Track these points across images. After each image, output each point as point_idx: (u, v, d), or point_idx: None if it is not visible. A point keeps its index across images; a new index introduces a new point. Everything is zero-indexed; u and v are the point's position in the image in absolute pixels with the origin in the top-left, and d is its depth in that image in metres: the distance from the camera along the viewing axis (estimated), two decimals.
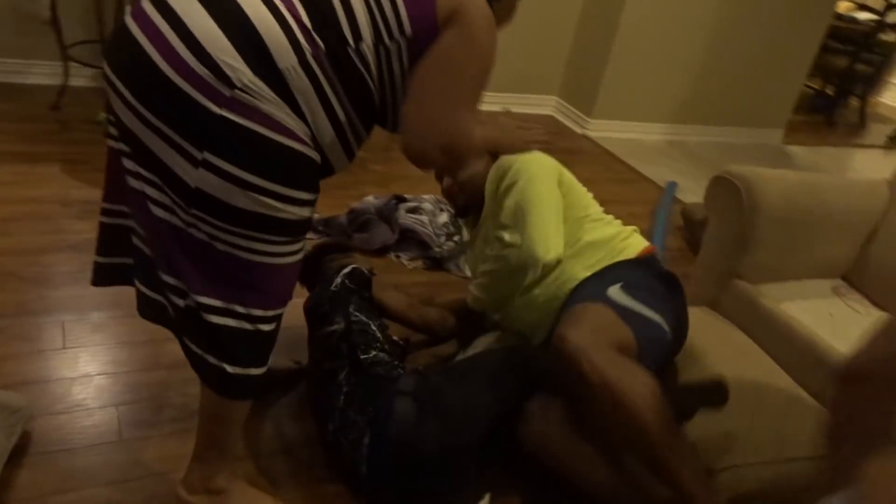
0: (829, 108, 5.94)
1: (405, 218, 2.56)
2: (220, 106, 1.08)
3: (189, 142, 1.11)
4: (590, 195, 1.98)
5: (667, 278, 1.82)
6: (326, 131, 1.20)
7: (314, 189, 1.23)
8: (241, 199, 1.13)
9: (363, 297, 1.84)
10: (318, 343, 1.72)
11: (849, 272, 2.37)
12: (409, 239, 2.57)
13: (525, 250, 1.74)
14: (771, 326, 2.08)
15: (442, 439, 1.50)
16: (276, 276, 1.24)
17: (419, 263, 2.54)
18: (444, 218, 2.63)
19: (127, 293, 1.70)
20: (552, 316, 1.79)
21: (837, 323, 2.11)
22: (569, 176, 1.94)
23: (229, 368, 1.25)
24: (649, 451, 1.45)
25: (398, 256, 2.55)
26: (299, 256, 1.27)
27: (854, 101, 6.16)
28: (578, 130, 4.50)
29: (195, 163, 1.12)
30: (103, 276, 1.43)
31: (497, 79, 4.51)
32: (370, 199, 2.72)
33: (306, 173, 1.20)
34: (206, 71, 1.07)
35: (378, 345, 1.69)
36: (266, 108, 1.11)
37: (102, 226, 1.37)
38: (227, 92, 1.08)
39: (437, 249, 2.53)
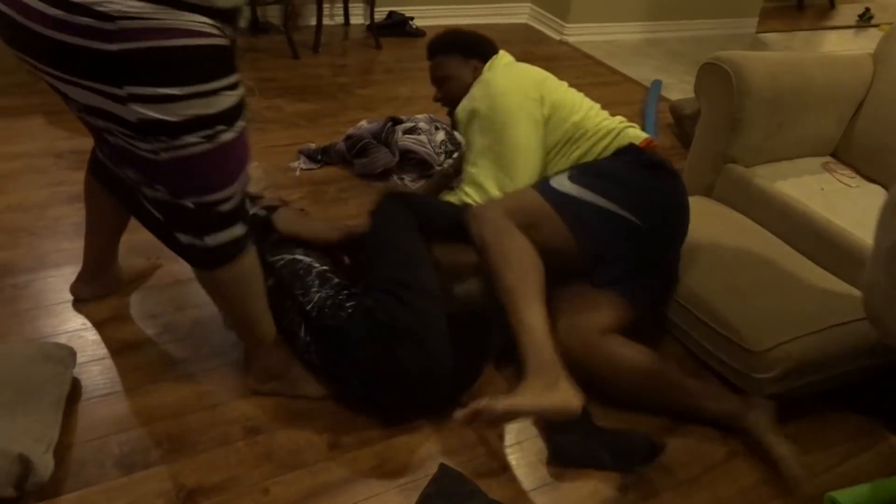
0: None
1: (403, 139, 2.57)
2: (112, 42, 1.11)
3: (107, 84, 1.17)
4: (582, 98, 1.98)
5: (650, 166, 1.81)
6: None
7: (236, 69, 1.29)
8: (179, 111, 1.20)
9: (272, 241, 1.76)
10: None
11: (838, 148, 2.45)
12: (410, 160, 2.59)
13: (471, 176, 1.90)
14: (767, 206, 2.16)
15: (417, 360, 1.53)
16: (229, 156, 1.34)
17: (422, 183, 2.58)
18: (440, 136, 2.65)
19: (144, 239, 1.75)
20: None
21: (829, 197, 2.20)
22: (553, 87, 1.95)
23: (208, 240, 1.38)
24: (509, 303, 1.58)
25: (401, 179, 2.59)
26: (241, 131, 1.34)
27: None
28: (556, 37, 4.46)
29: (123, 100, 1.18)
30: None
31: None
32: (364, 123, 2.73)
33: (224, 60, 1.25)
34: (83, 19, 1.09)
35: (313, 279, 1.66)
36: (156, 22, 1.13)
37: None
38: (111, 27, 1.10)
39: (437, 168, 2.56)
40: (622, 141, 1.88)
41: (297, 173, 2.60)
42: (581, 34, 4.41)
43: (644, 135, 1.93)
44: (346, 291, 1.63)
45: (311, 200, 2.45)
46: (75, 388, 1.61)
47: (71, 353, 1.62)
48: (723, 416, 1.67)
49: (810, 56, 2.42)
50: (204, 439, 1.54)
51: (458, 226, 1.73)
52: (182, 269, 1.97)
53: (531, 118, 1.89)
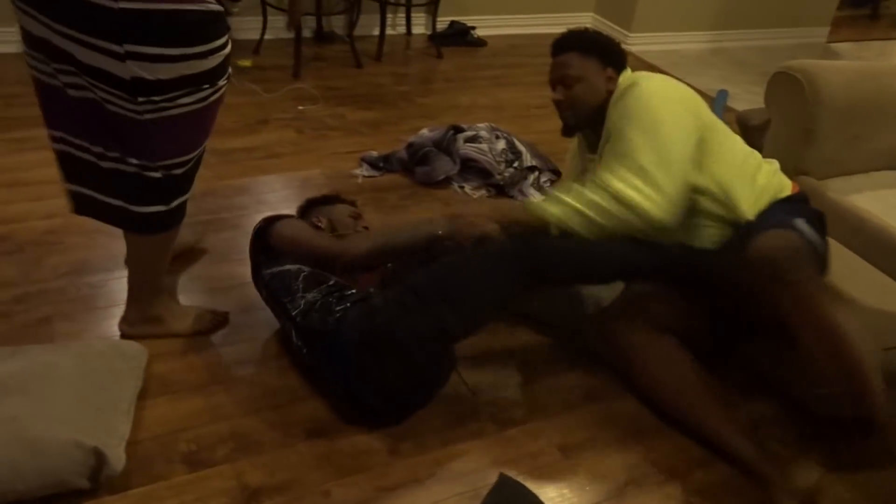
0: (872, 0, 5.71)
1: (465, 147, 2.58)
2: (117, 0, 1.26)
3: (107, 41, 1.30)
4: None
5: (821, 223, 1.77)
6: None
7: (226, 32, 1.44)
8: (172, 71, 1.36)
9: (267, 253, 1.79)
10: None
11: None
12: (471, 168, 2.60)
13: (657, 211, 1.57)
14: (841, 220, 2.08)
15: (402, 376, 1.56)
16: (204, 118, 1.52)
17: (483, 192, 2.58)
18: (501, 145, 2.65)
19: (207, 242, 1.80)
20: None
21: None
22: (705, 109, 1.77)
23: (134, 208, 1.56)
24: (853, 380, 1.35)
25: (462, 187, 2.59)
26: (219, 91, 1.50)
27: None
28: None
29: (121, 57, 1.32)
30: (82, 206, 1.64)
31: (530, 0, 4.45)
32: (425, 132, 2.75)
33: (216, 24, 1.40)
34: None
35: (298, 284, 1.67)
36: None
37: (56, 153, 1.57)
38: None
39: (498, 177, 2.56)
40: (785, 181, 1.81)
41: (360, 180, 2.63)
42: (645, 43, 4.35)
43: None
44: (336, 293, 1.63)
45: (372, 207, 2.48)
46: (146, 386, 1.66)
47: (142, 351, 1.68)
48: (748, 460, 1.56)
49: (887, 65, 2.33)
50: (267, 439, 1.57)
51: (589, 273, 1.68)
52: (246, 272, 2.01)
53: (689, 126, 1.68)
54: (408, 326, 1.51)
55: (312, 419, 1.62)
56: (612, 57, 1.81)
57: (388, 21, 4.12)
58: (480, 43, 4.21)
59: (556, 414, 1.70)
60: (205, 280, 2.04)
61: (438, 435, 1.61)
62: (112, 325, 1.83)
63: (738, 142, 1.82)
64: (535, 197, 2.47)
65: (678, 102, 1.69)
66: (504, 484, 1.47)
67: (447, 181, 2.60)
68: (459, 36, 4.21)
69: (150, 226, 1.61)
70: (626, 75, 1.80)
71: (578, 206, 1.62)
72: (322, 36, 4.00)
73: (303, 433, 1.59)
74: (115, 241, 2.14)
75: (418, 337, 1.51)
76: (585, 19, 4.69)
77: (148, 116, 1.39)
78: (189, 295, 1.98)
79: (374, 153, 2.74)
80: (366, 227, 1.93)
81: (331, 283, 1.66)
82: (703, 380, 1.65)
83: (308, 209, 2.00)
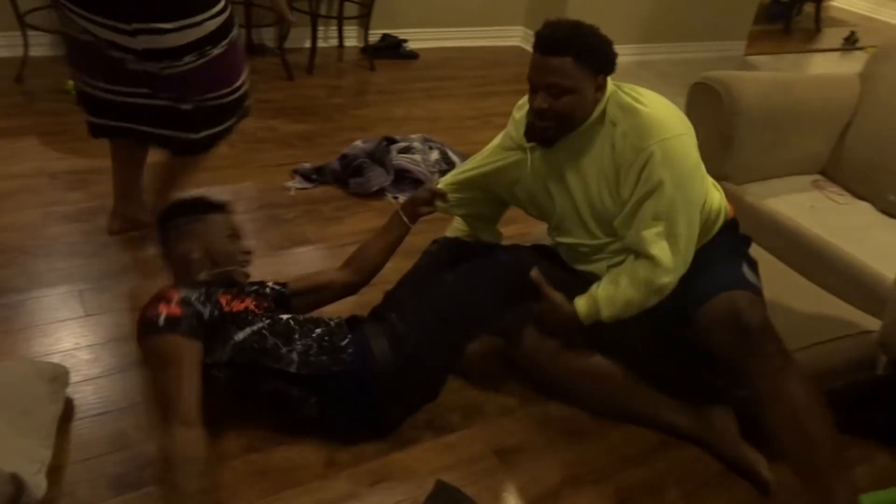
0: (786, 15, 6.01)
1: (398, 158, 2.59)
2: None
3: (119, 20, 1.70)
4: None
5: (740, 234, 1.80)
6: None
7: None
8: (172, 40, 1.72)
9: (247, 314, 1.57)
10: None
11: (827, 166, 2.48)
12: (404, 179, 2.61)
13: (670, 276, 1.56)
14: (758, 223, 2.18)
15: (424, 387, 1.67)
16: (218, 67, 1.87)
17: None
18: (435, 155, 2.67)
19: (137, 258, 1.75)
20: None
21: (819, 214, 2.22)
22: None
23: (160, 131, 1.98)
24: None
25: (395, 198, 2.60)
26: (227, 47, 1.87)
27: (808, 7, 6.24)
28: None
29: (132, 33, 1.71)
30: (100, 131, 2.02)
31: (460, 14, 4.52)
32: (359, 143, 2.75)
33: None
34: None
35: (273, 343, 1.52)
36: None
37: (96, 98, 1.94)
38: None
39: None
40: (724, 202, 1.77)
41: (292, 192, 2.61)
42: None
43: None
44: (321, 329, 1.57)
45: (306, 219, 2.46)
46: (69, 408, 1.60)
47: (64, 373, 1.62)
48: (688, 429, 1.70)
49: (800, 76, 2.46)
50: None
51: None
52: None
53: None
54: (433, 351, 1.61)
55: (246, 435, 1.59)
56: (607, 61, 1.56)
57: (320, 34, 4.10)
58: (412, 55, 4.24)
59: (491, 419, 1.72)
60: (134, 298, 1.98)
61: (375, 445, 1.60)
62: (32, 346, 1.75)
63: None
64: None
65: (695, 155, 1.62)
66: (441, 490, 1.48)
67: (381, 192, 2.60)
68: (392, 49, 4.23)
69: (180, 146, 2.01)
70: (613, 84, 1.63)
71: (620, 306, 1.61)
72: (252, 48, 3.95)
73: (237, 449, 1.56)
74: (33, 260, 2.07)
75: (444, 360, 1.66)
76: (516, 32, 4.78)
77: (167, 72, 1.79)
78: (117, 315, 1.91)
79: (308, 165, 2.72)
80: (248, 253, 1.71)
81: (301, 320, 1.59)
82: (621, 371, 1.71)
83: (171, 221, 1.68)
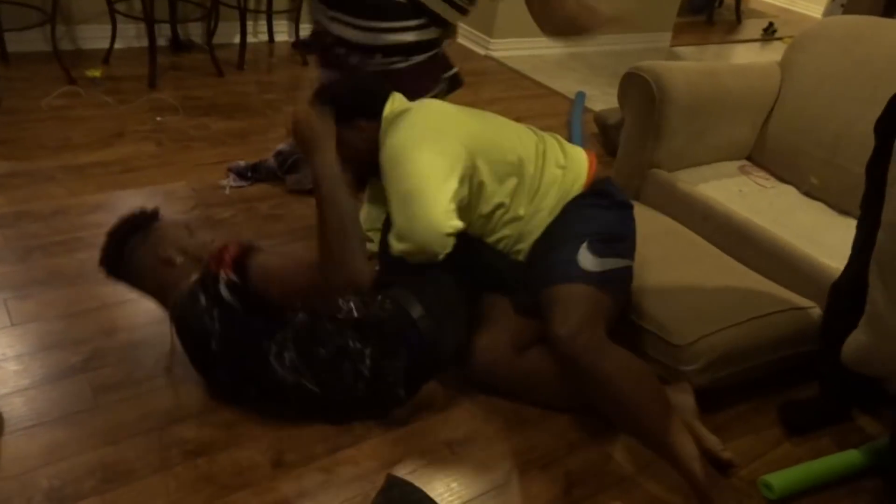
0: (707, 7, 6.21)
1: None
2: None
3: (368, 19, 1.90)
4: (516, 127, 1.81)
5: (622, 206, 1.82)
6: None
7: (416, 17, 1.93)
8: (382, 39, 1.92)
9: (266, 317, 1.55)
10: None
11: (753, 152, 2.58)
12: None
13: (421, 246, 1.59)
14: (690, 208, 2.26)
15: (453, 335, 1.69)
16: (405, 79, 1.97)
17: None
18: None
19: (62, 265, 1.66)
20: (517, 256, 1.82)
21: (747, 198, 2.31)
22: (480, 128, 1.72)
23: None
24: (646, 434, 1.57)
25: None
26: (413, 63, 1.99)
27: (729, 0, 6.46)
28: (482, 52, 4.54)
29: (374, 31, 1.92)
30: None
31: None
32: None
33: (402, 9, 1.91)
34: None
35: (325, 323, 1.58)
36: None
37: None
38: None
39: None
40: (579, 172, 1.80)
41: (227, 191, 2.54)
42: (506, 49, 4.50)
43: (584, 158, 1.85)
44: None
45: (243, 218, 2.40)
46: None
47: None
48: None
49: (724, 65, 2.54)
50: (140, 466, 1.48)
51: None
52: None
53: (439, 150, 1.63)
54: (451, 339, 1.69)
55: (190, 440, 1.55)
56: (357, 108, 1.71)
57: (249, 28, 4.01)
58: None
59: (440, 411, 1.72)
60: (62, 305, 1.90)
61: (324, 442, 1.59)
62: None
63: (516, 148, 1.75)
64: None
65: (429, 146, 1.63)
66: (393, 485, 1.47)
67: None
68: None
69: None
70: (389, 110, 1.72)
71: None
72: (178, 44, 3.83)
73: (179, 455, 1.51)
74: None
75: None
76: None
77: (371, 67, 1.93)
78: (45, 323, 1.83)
79: (242, 163, 2.66)
80: (213, 240, 1.68)
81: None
82: None
83: (126, 246, 1.62)
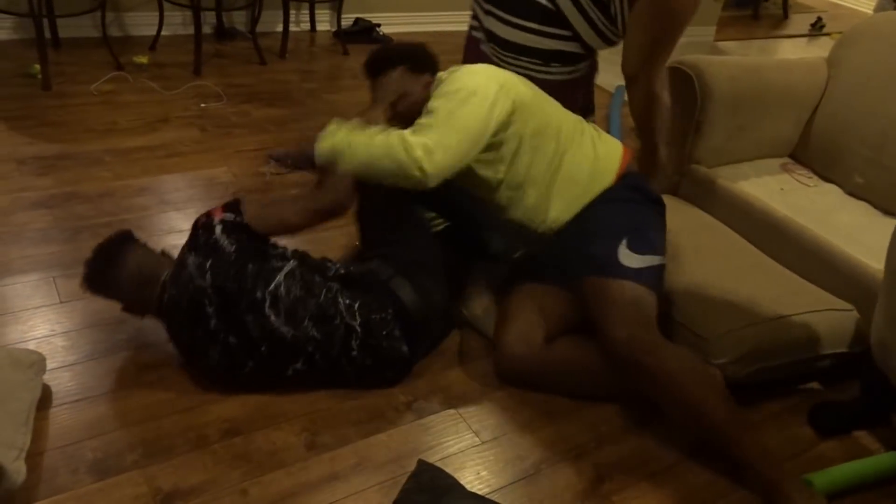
0: (753, 2, 6.09)
1: None
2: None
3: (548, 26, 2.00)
4: (559, 108, 1.84)
5: (656, 202, 1.84)
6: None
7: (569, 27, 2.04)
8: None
9: (267, 251, 1.69)
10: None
11: (795, 150, 2.53)
12: None
13: (415, 157, 1.58)
14: (730, 205, 2.23)
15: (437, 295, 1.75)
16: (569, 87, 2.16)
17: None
18: None
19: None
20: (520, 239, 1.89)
21: (788, 196, 2.27)
22: (527, 95, 1.75)
23: None
24: (712, 430, 1.57)
25: None
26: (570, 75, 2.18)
27: None
28: None
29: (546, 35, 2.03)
30: None
31: None
32: None
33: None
34: None
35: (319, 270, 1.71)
36: None
37: None
38: None
39: None
40: (612, 162, 1.82)
41: (267, 177, 2.59)
42: None
43: (618, 151, 1.87)
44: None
45: None
46: (46, 394, 1.58)
47: (41, 359, 1.60)
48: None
49: (768, 61, 2.50)
50: (179, 442, 1.53)
51: None
52: None
53: (489, 103, 1.66)
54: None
55: (227, 419, 1.60)
56: (423, 63, 1.83)
57: (292, 17, 4.06)
58: (386, 40, 4.22)
59: (472, 400, 1.74)
60: None
61: (357, 427, 1.62)
62: (6, 333, 1.73)
63: (559, 115, 1.82)
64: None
65: (487, 84, 1.68)
66: (423, 470, 1.50)
67: None
68: (365, 33, 4.20)
69: None
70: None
71: (360, 158, 1.64)
72: (223, 32, 3.90)
73: (217, 433, 1.56)
74: (3, 247, 2.03)
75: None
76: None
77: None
78: (91, 301, 1.89)
79: (283, 150, 2.70)
80: None
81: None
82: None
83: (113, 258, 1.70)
